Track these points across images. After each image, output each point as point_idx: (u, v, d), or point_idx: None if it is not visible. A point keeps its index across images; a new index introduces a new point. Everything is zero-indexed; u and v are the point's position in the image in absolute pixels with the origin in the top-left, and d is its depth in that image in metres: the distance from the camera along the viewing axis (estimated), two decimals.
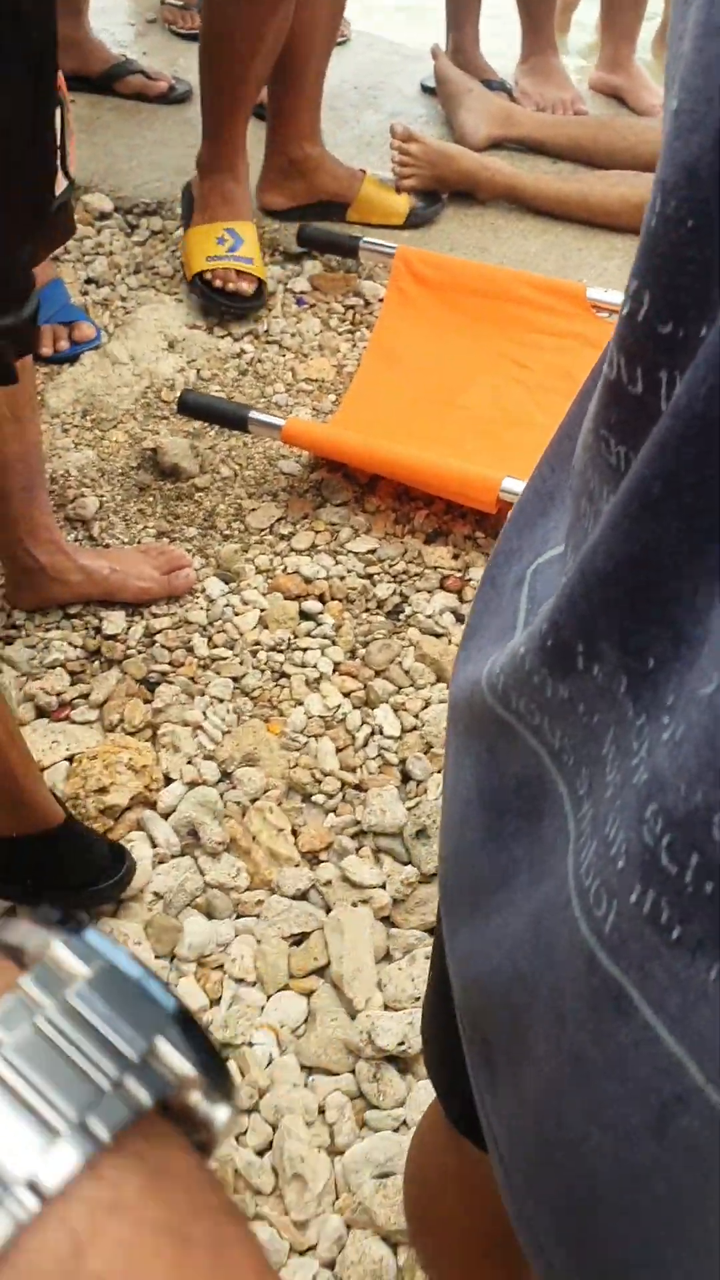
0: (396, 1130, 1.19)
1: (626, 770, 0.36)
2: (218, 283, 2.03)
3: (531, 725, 0.42)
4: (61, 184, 1.30)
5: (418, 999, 1.27)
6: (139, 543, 1.72)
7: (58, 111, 1.26)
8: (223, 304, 2.04)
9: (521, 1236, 0.47)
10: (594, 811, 0.38)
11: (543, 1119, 0.41)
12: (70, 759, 1.45)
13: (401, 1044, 1.22)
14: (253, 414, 1.76)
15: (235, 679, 1.56)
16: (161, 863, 1.37)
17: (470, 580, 1.68)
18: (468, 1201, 0.78)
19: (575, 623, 0.37)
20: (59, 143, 1.26)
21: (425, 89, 2.76)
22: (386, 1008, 1.27)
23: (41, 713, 1.51)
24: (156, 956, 1.29)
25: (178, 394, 1.84)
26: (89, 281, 2.14)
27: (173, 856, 1.38)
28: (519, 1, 2.71)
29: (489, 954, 0.45)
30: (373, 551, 1.71)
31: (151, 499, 1.79)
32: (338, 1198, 1.15)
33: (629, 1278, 0.39)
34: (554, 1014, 0.39)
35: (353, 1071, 1.23)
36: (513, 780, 0.45)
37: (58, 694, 1.52)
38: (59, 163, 1.30)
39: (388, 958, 1.32)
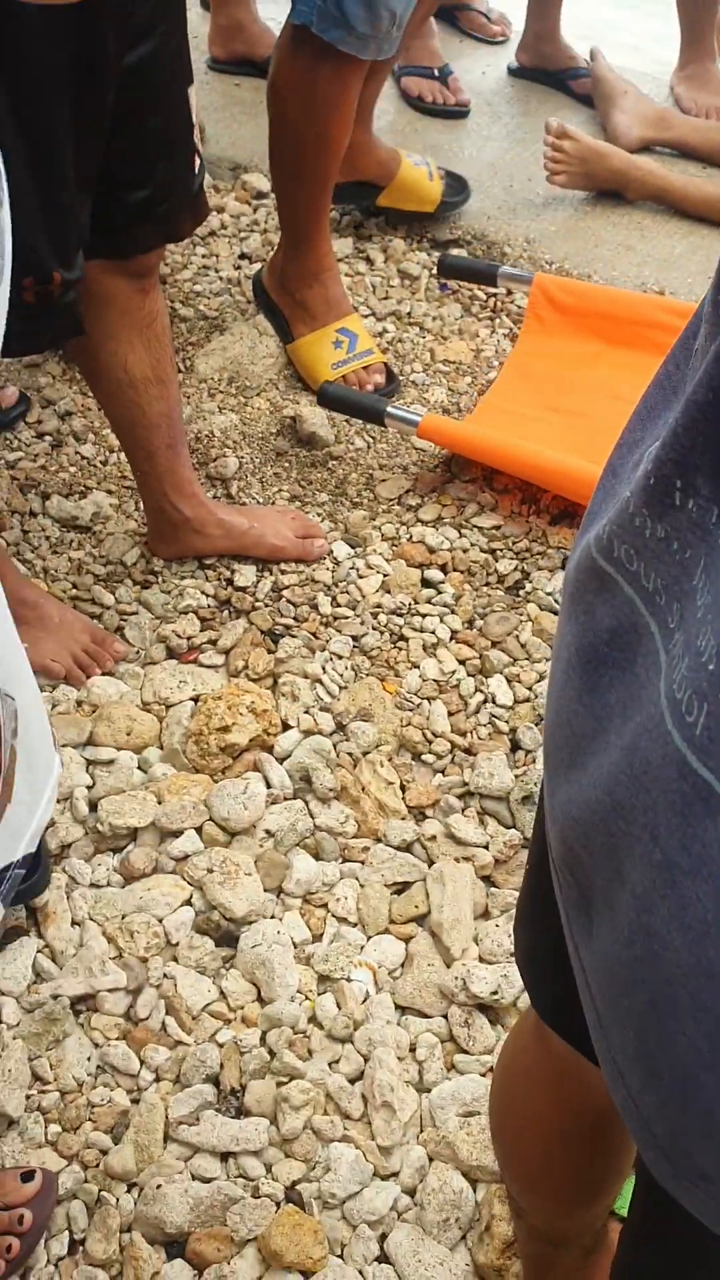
0: (484, 1075, 1.23)
1: (717, 591, 0.39)
2: (354, 387, 1.93)
3: (628, 572, 0.46)
4: (198, 163, 1.38)
5: (513, 954, 1.31)
6: (273, 504, 1.78)
7: (193, 90, 1.33)
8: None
9: (605, 1070, 0.51)
10: (684, 637, 0.42)
11: (633, 940, 0.45)
12: (195, 699, 1.52)
13: (495, 993, 1.25)
14: (389, 409, 1.80)
15: (355, 638, 1.61)
16: (274, 803, 1.43)
17: None
18: (550, 1092, 0.82)
19: (675, 458, 0.41)
20: (195, 119, 1.34)
21: (512, 71, 2.80)
22: (482, 960, 1.30)
23: (171, 654, 1.59)
24: (265, 889, 1.35)
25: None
26: (243, 257, 2.22)
27: (285, 798, 1.44)
28: (680, 11, 2.72)
29: (587, 794, 0.49)
30: (497, 528, 1.75)
31: (288, 464, 1.85)
32: (422, 1130, 1.19)
33: (699, 1081, 0.43)
34: (648, 832, 0.43)
35: (445, 1016, 1.27)
36: (605, 634, 0.49)
37: (188, 638, 1.60)
38: (198, 141, 1.37)
39: (485, 915, 1.36)
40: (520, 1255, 1.05)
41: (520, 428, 1.83)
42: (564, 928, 0.58)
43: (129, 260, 1.36)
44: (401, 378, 2.01)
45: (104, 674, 1.56)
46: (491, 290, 2.18)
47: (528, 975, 0.79)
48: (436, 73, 2.63)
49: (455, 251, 2.26)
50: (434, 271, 2.21)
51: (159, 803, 1.40)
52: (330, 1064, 1.23)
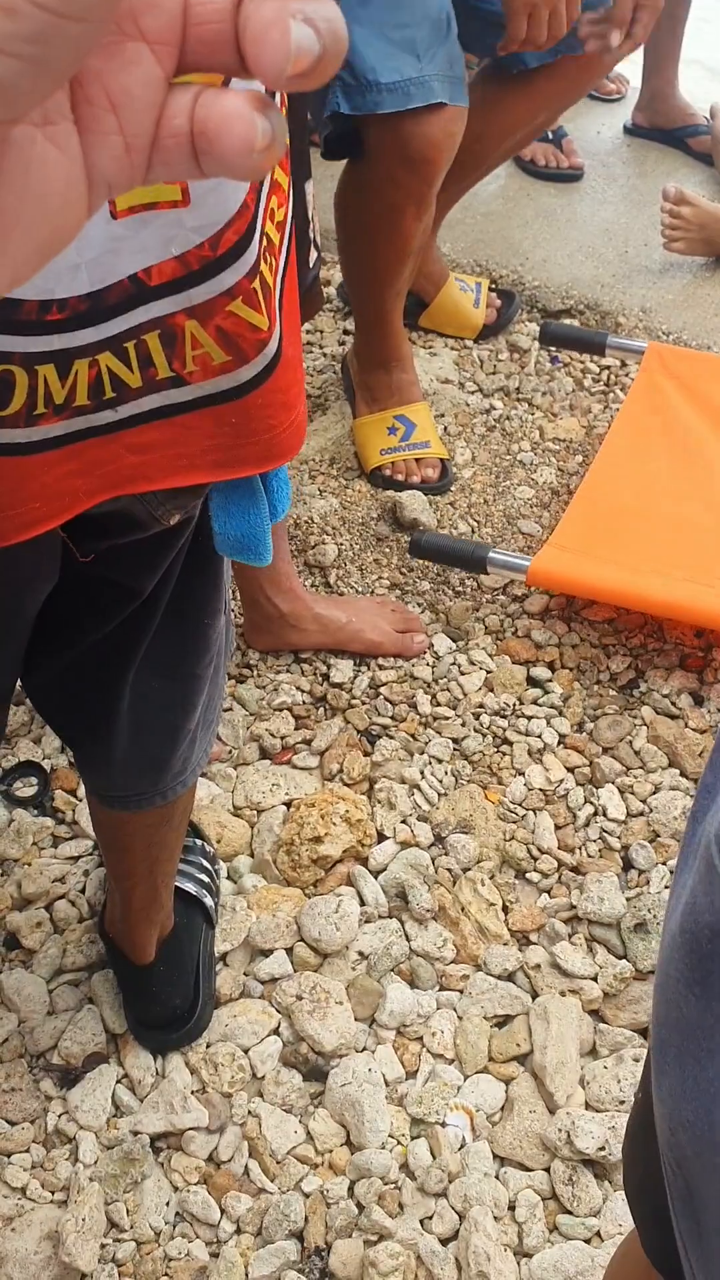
0: (589, 1241, 1.13)
1: None
2: (400, 476, 1.87)
3: None
4: (313, 255, 1.33)
5: (623, 1103, 1.21)
6: (373, 592, 1.72)
7: (309, 184, 1.28)
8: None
9: None
10: None
11: None
12: (288, 804, 1.46)
13: (602, 1149, 1.15)
14: (492, 554, 1.66)
15: (455, 740, 1.53)
16: (369, 922, 1.36)
17: (714, 661, 1.61)
18: None
19: None
20: (311, 214, 1.29)
21: (628, 130, 2.72)
22: (588, 1107, 1.21)
23: (265, 754, 1.53)
24: (356, 1019, 1.27)
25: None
26: (347, 333, 2.18)
27: (380, 917, 1.36)
28: None
29: (699, 1100, 0.43)
30: (610, 621, 1.66)
31: (388, 550, 1.79)
32: None
33: None
34: None
35: (547, 1170, 1.17)
36: (707, 931, 0.43)
37: (282, 737, 1.54)
38: (313, 234, 1.32)
39: (593, 1053, 1.26)
40: None
41: (622, 541, 1.69)
42: (670, 1214, 0.50)
43: None
44: (510, 457, 1.93)
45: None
46: (604, 363, 2.09)
47: (636, 1208, 0.70)
48: (550, 135, 2.57)
49: (567, 322, 2.18)
50: (543, 344, 2.13)
51: (250, 919, 1.34)
52: (422, 1221, 1.14)
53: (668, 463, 1.82)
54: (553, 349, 2.12)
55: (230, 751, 1.54)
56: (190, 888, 1.31)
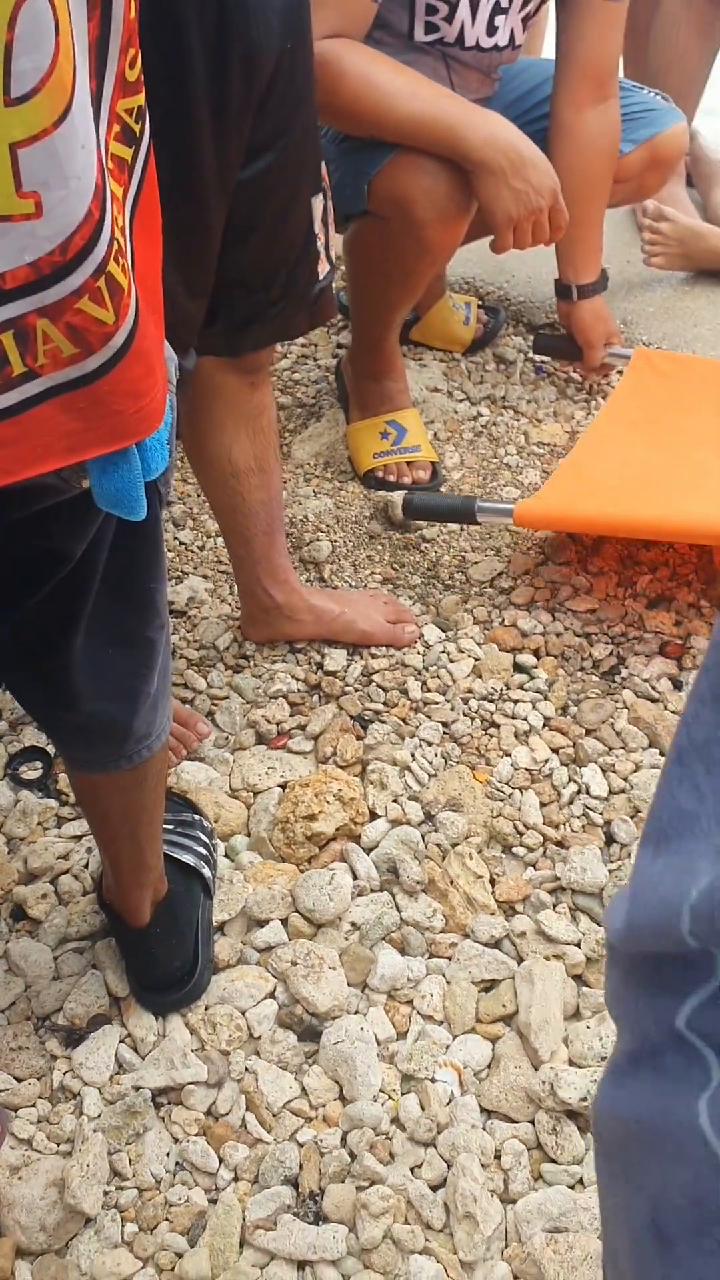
0: (572, 1187, 1.17)
1: None
2: (391, 478, 1.97)
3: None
4: (324, 268, 1.39)
5: (603, 1058, 1.26)
6: (365, 586, 1.79)
7: (318, 199, 1.34)
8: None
9: None
10: None
11: None
12: (283, 786, 1.52)
13: (584, 1099, 1.20)
14: (479, 504, 1.78)
15: (445, 724, 1.60)
16: (361, 895, 1.41)
17: (692, 649, 1.67)
18: None
19: None
20: (318, 229, 1.35)
21: None
22: (571, 1063, 1.26)
23: (261, 739, 1.59)
24: (349, 984, 1.32)
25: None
26: (340, 346, 2.26)
27: (372, 890, 1.42)
28: None
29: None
30: (592, 611, 1.73)
31: (380, 546, 1.86)
32: (507, 1245, 1.14)
33: None
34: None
35: (532, 1121, 1.22)
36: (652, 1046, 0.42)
37: (277, 723, 1.60)
38: (321, 249, 1.39)
39: (577, 1015, 1.31)
40: None
41: (607, 486, 1.79)
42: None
43: (239, 358, 1.38)
44: (496, 460, 2.01)
45: (192, 759, 1.57)
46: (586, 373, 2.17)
47: None
48: None
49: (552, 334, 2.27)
50: (529, 355, 2.21)
51: (246, 891, 1.40)
52: (412, 1169, 1.19)
53: (651, 439, 1.91)
54: (538, 359, 2.20)
55: (227, 738, 1.60)
56: (189, 859, 1.37)
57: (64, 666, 0.96)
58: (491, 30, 1.79)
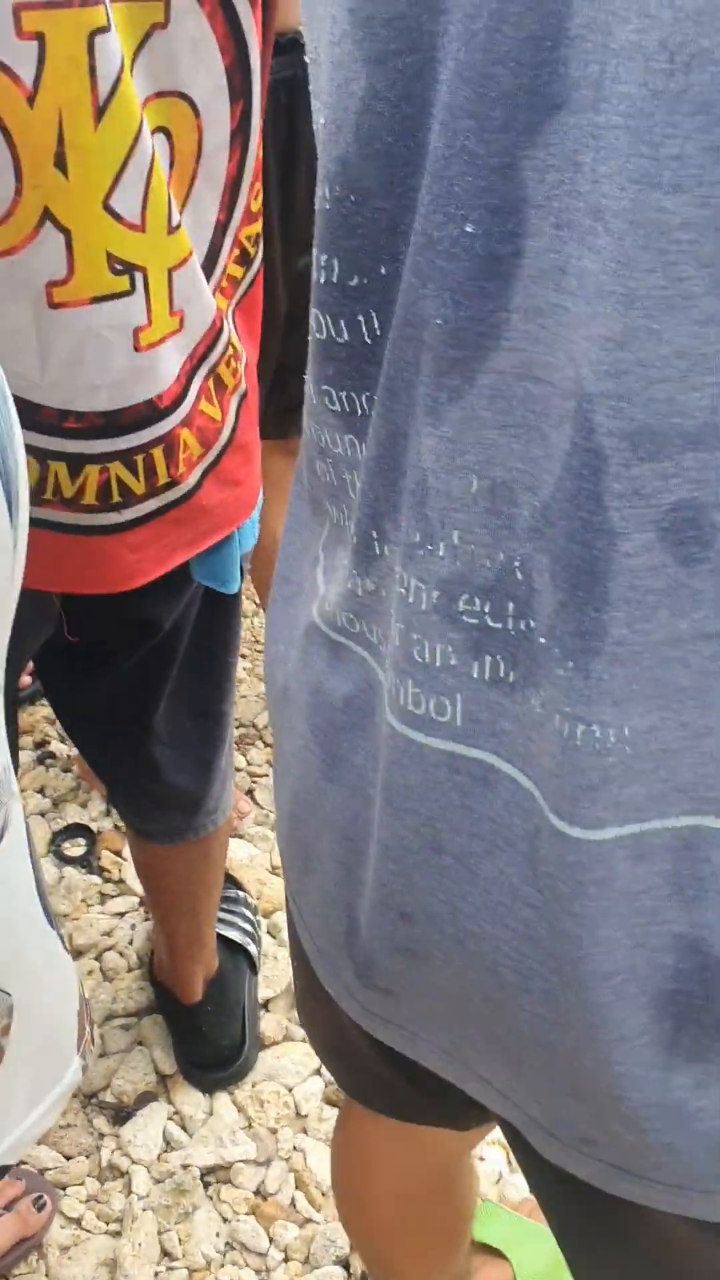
0: None
1: (414, 602, 0.44)
2: None
3: (354, 634, 0.50)
4: None
5: None
6: None
7: None
8: None
9: (480, 1092, 0.54)
10: (417, 666, 0.45)
11: (456, 947, 0.48)
12: None
13: None
14: None
15: None
16: None
17: None
18: (387, 1164, 0.82)
19: (368, 513, 0.46)
20: None
21: None
22: None
23: None
24: None
25: None
26: None
27: None
28: None
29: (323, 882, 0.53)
30: None
31: None
32: None
33: (549, 1042, 0.46)
34: (436, 847, 0.46)
35: None
36: (340, 702, 0.52)
37: None
38: None
39: None
40: None
41: None
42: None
43: (287, 439, 1.44)
44: None
45: (234, 836, 1.59)
46: None
47: (331, 1069, 0.78)
48: None
49: None
50: None
51: (290, 968, 1.41)
52: None
53: None
54: None
55: (267, 815, 1.62)
56: (235, 936, 1.38)
57: (146, 736, 0.99)
58: None
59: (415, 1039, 0.55)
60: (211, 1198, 1.23)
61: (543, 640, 0.40)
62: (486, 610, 0.42)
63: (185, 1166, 1.23)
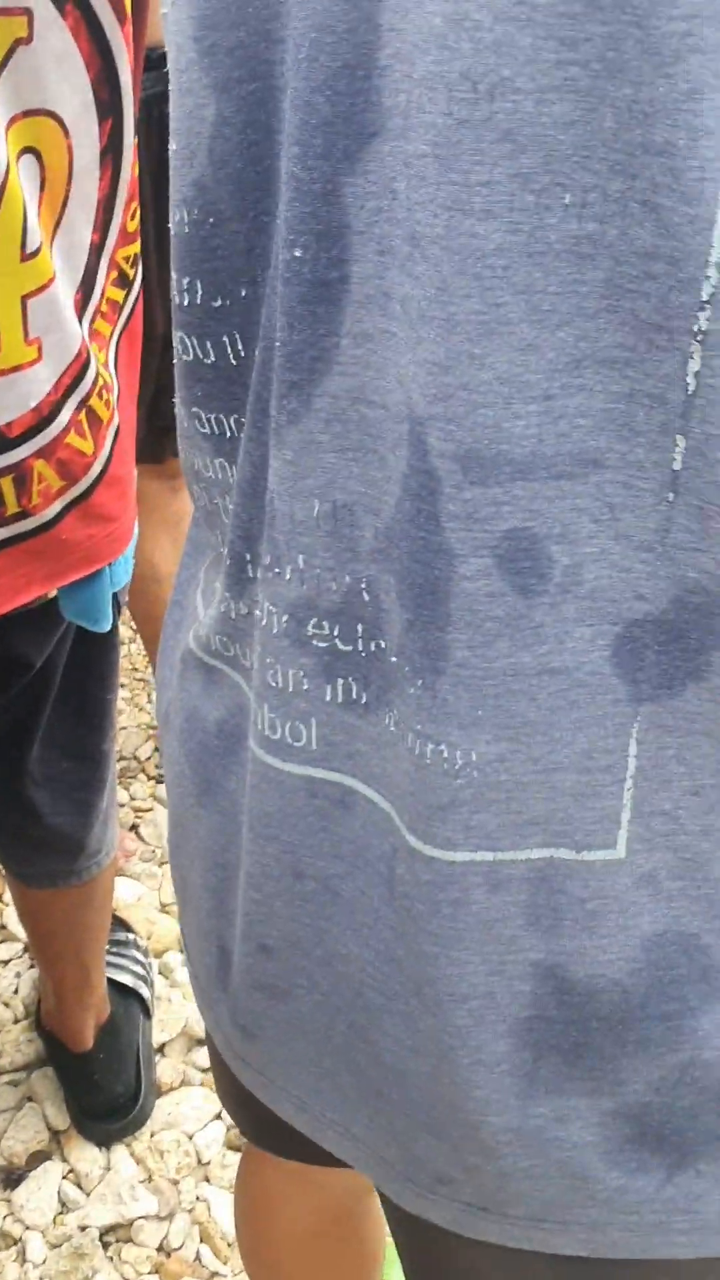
0: None
1: (267, 625, 0.45)
2: None
3: (227, 658, 0.51)
4: None
5: None
6: None
7: None
8: None
9: (332, 1139, 0.53)
10: (272, 691, 0.46)
11: (318, 981, 0.48)
12: None
13: None
14: None
15: None
16: None
17: None
18: (290, 1205, 0.81)
19: (240, 535, 0.47)
20: None
21: None
22: None
23: None
24: None
25: None
26: None
27: None
28: None
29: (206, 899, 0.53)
30: None
31: None
32: None
33: (407, 1071, 0.46)
34: (297, 873, 0.47)
35: None
36: (214, 727, 0.53)
37: None
38: None
39: None
40: None
41: None
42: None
43: (163, 463, 1.40)
44: None
45: (119, 875, 1.53)
46: None
47: (229, 1110, 0.77)
48: None
49: None
50: None
51: (186, 1009, 1.36)
52: None
53: None
54: None
55: (153, 851, 1.57)
56: (126, 979, 1.33)
57: (20, 778, 0.94)
58: None
59: (270, 1085, 0.54)
60: (112, 1258, 1.17)
61: (394, 659, 0.41)
62: (336, 633, 0.43)
63: (83, 1228, 1.17)
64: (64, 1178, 1.21)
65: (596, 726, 0.38)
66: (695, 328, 0.33)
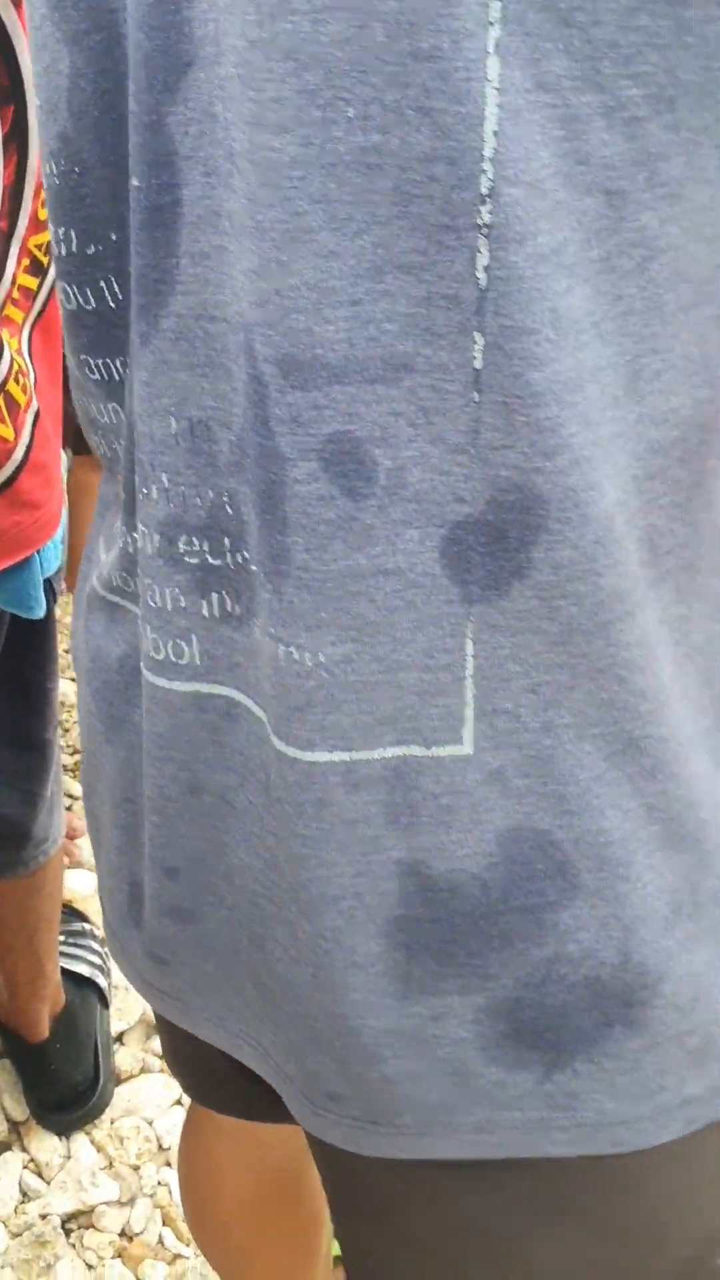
0: None
1: (143, 547, 0.45)
2: None
3: (128, 593, 0.52)
4: None
5: None
6: None
7: None
8: None
9: (250, 1054, 0.53)
10: (153, 612, 0.47)
11: (224, 897, 0.49)
12: None
13: None
14: None
15: None
16: None
17: None
18: (234, 1164, 0.82)
19: (130, 468, 0.47)
20: None
21: None
22: None
23: None
24: None
25: None
26: None
27: None
28: None
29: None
30: None
31: None
32: None
33: (294, 980, 0.47)
34: (195, 789, 0.47)
35: None
36: (115, 663, 0.54)
37: None
38: None
39: None
40: None
41: None
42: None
43: (95, 453, 1.40)
44: None
45: (75, 867, 1.53)
46: None
47: (173, 1071, 0.79)
48: None
49: None
50: None
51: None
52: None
53: None
54: None
55: None
56: (82, 969, 1.33)
57: None
58: None
59: (188, 1009, 0.55)
60: (74, 1245, 1.17)
61: (254, 568, 0.42)
62: (205, 549, 0.44)
63: (44, 1216, 1.17)
64: (24, 1168, 1.22)
65: (434, 626, 0.40)
66: (479, 220, 0.34)
